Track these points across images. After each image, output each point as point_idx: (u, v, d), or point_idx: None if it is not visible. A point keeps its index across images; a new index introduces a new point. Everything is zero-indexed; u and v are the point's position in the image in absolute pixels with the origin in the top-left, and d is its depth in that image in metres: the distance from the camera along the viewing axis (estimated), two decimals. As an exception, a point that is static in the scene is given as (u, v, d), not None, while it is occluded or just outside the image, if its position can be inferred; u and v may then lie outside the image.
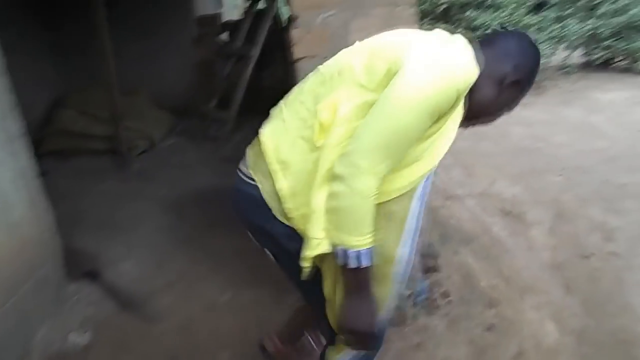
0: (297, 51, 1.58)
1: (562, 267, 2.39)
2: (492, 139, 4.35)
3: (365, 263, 0.91)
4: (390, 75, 0.91)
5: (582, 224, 2.77)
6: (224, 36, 5.23)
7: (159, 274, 2.41)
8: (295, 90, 1.11)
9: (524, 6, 5.52)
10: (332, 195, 0.90)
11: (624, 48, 6.10)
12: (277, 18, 4.39)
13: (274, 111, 1.12)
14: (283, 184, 1.00)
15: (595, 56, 6.44)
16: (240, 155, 1.19)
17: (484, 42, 1.05)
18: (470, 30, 5.61)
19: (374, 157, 0.88)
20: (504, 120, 3.96)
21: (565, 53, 6.51)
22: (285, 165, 1.00)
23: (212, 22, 5.15)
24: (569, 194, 3.15)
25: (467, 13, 5.55)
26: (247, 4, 4.76)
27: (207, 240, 2.60)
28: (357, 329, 0.97)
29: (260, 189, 1.04)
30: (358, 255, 0.90)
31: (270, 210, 1.03)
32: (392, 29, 1.55)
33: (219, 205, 3.15)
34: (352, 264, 0.91)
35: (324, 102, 0.98)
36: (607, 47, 6.26)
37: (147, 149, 4.32)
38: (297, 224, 1.00)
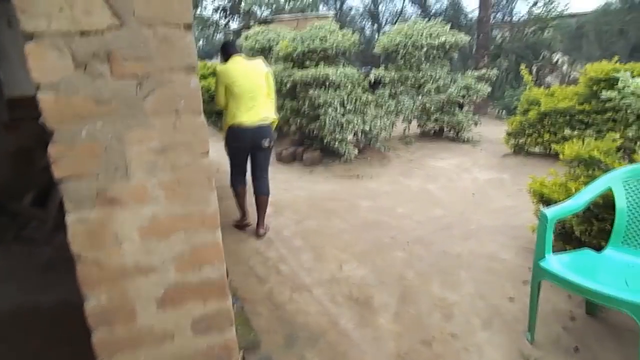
0: (59, 170, 1.28)
1: (406, 357, 2.30)
2: (341, 215, 4.40)
3: None
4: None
5: (424, 303, 2.78)
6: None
7: None
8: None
9: (359, 86, 5.96)
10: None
11: (448, 120, 6.93)
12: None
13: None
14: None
15: (428, 127, 7.20)
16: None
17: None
18: (315, 107, 5.86)
19: None
20: (354, 195, 4.01)
21: (404, 125, 7.18)
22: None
23: (30, 104, 4.50)
24: (412, 270, 3.21)
25: (311, 91, 5.79)
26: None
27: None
28: None
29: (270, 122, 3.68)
30: None
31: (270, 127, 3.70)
32: (178, 138, 1.37)
33: (25, 335, 2.56)
34: None
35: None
36: (436, 120, 7.05)
37: None
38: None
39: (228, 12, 15.66)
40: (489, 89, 7.06)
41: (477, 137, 7.07)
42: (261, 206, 3.94)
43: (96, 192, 1.32)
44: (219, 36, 19.75)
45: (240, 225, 4.12)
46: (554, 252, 2.23)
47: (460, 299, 2.80)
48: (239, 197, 4.00)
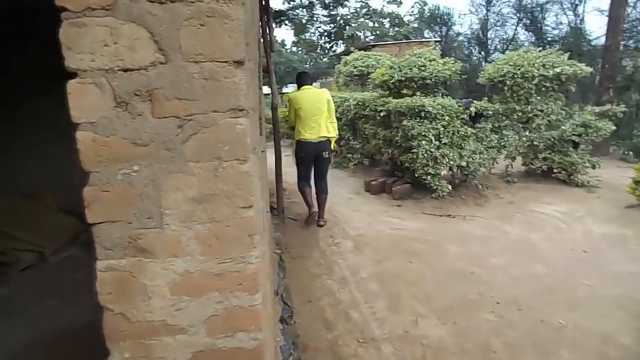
0: (92, 215, 1.19)
1: None
2: (426, 259, 4.01)
3: None
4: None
5: (511, 386, 2.33)
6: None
7: None
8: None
9: (458, 118, 5.53)
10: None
11: (559, 160, 6.15)
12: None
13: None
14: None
15: (535, 166, 6.47)
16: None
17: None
18: (409, 138, 5.55)
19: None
20: (443, 236, 3.61)
21: (506, 162, 6.54)
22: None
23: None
24: (500, 339, 2.74)
25: (405, 122, 5.50)
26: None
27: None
28: None
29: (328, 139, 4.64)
30: None
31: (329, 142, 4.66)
32: (219, 188, 1.21)
33: (94, 351, 2.60)
34: None
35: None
36: (545, 159, 6.31)
37: (33, 263, 3.72)
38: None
39: (332, 37, 16.00)
40: (613, 128, 6.16)
41: (594, 181, 6.16)
42: (322, 204, 4.85)
43: (128, 240, 1.20)
44: (325, 60, 20.34)
45: (309, 219, 4.94)
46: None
47: (560, 389, 2.30)
48: (305, 195, 4.90)
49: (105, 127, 1.15)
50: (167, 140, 1.17)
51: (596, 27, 28.37)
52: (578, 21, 11.76)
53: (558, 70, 5.87)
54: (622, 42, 9.98)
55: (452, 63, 5.92)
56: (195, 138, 1.18)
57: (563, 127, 6.10)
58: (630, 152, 8.16)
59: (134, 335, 1.25)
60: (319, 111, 4.58)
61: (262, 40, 4.43)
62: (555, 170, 6.41)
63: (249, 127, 1.24)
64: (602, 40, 9.98)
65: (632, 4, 10.54)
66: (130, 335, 1.25)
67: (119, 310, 1.23)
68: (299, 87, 4.73)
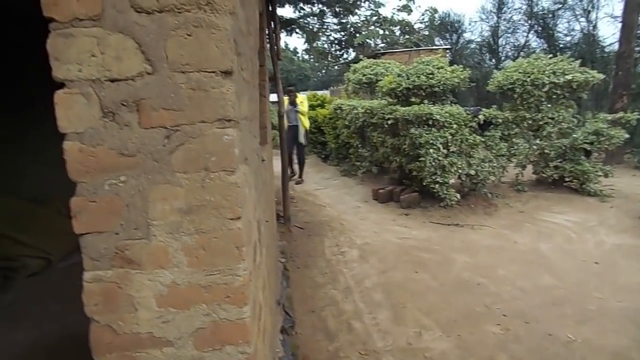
0: (80, 225, 1.18)
1: None
2: (432, 269, 3.95)
3: None
4: None
5: (516, 403, 2.26)
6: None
7: None
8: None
9: (466, 126, 5.47)
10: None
11: (571, 169, 6.04)
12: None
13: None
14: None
15: (546, 175, 6.36)
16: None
17: None
18: (416, 147, 5.51)
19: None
20: (450, 246, 3.56)
21: (517, 171, 6.44)
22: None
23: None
24: (506, 353, 2.68)
25: (412, 130, 5.46)
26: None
27: None
28: None
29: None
30: None
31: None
32: (206, 199, 1.20)
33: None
34: None
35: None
36: (556, 167, 6.20)
37: (40, 270, 3.75)
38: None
39: (343, 45, 16.02)
40: (626, 136, 6.03)
41: (607, 190, 6.03)
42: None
43: (114, 251, 1.19)
44: (336, 67, 20.39)
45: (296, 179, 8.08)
46: None
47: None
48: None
49: (92, 137, 1.14)
50: (154, 150, 1.16)
51: (609, 33, 27.95)
52: (591, 28, 11.61)
53: (569, 77, 5.79)
54: (636, 49, 9.81)
55: (461, 71, 5.87)
56: (182, 148, 1.16)
57: (574, 135, 5.99)
58: (646, 161, 7.99)
59: (121, 348, 1.23)
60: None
61: (268, 48, 4.45)
62: (566, 179, 6.30)
63: (238, 138, 1.22)
64: (616, 47, 9.81)
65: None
66: (117, 347, 1.23)
67: (106, 321, 1.22)
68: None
